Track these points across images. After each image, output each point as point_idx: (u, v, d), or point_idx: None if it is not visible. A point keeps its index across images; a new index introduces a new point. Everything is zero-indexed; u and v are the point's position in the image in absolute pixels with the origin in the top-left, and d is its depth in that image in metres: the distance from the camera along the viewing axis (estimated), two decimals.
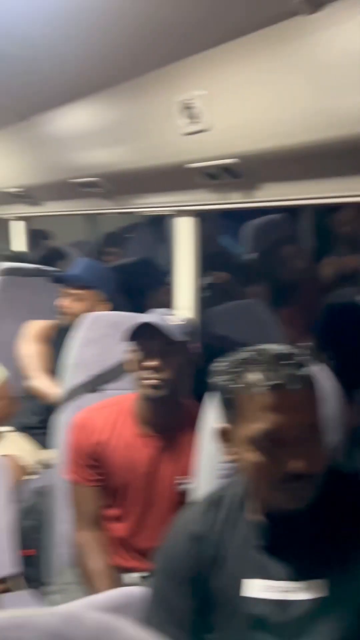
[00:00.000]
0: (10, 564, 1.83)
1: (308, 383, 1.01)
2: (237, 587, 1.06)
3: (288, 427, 0.99)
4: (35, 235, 4.42)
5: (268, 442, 0.99)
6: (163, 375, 1.61)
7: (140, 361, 1.63)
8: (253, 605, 1.03)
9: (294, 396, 0.99)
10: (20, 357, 2.55)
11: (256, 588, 1.04)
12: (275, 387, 0.99)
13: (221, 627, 1.07)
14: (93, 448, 1.68)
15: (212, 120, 1.66)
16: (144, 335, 1.64)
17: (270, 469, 1.00)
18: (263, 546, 1.06)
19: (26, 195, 3.16)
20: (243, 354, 1.07)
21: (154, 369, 1.61)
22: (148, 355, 1.62)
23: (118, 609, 1.18)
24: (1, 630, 0.24)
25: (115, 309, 2.43)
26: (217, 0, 1.45)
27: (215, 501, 1.14)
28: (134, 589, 1.20)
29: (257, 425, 1.00)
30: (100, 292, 2.44)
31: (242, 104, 1.59)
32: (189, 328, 1.72)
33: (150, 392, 1.63)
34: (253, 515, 1.09)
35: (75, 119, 2.38)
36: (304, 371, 1.01)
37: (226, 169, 1.77)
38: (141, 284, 2.80)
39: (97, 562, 1.63)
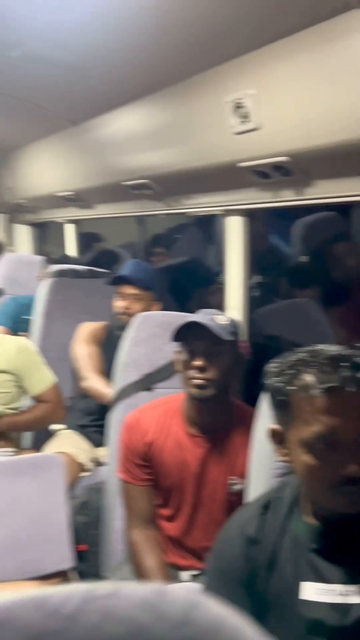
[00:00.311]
0: (65, 558, 1.87)
1: None
2: (292, 590, 1.05)
3: (343, 430, 0.97)
4: (88, 238, 4.52)
5: (323, 445, 0.98)
6: (209, 375, 1.60)
7: (186, 361, 1.64)
8: (308, 609, 1.02)
9: (350, 399, 0.97)
10: (74, 358, 2.61)
11: (311, 591, 1.03)
12: (331, 390, 0.97)
13: (276, 631, 1.07)
14: (144, 448, 1.70)
15: (262, 118, 1.65)
16: (190, 335, 1.63)
17: (325, 473, 0.99)
18: (317, 549, 1.05)
19: (78, 199, 3.22)
20: (297, 354, 1.06)
21: (200, 368, 1.60)
22: (194, 355, 1.61)
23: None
24: (95, 598, 0.25)
25: (165, 309, 2.46)
26: None
27: (269, 503, 1.13)
28: (187, 585, 1.21)
29: (312, 428, 0.98)
30: (152, 292, 2.47)
31: (293, 102, 1.58)
32: (235, 328, 1.71)
33: (196, 392, 1.62)
34: (307, 518, 1.08)
35: (126, 123, 2.42)
36: None
37: (277, 167, 1.76)
38: (190, 285, 2.82)
39: (150, 559, 1.65)
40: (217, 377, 1.61)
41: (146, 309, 2.41)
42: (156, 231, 4.76)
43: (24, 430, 2.44)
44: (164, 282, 2.55)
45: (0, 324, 3.09)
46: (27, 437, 2.61)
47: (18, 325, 3.17)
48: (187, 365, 1.64)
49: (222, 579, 1.10)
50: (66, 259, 3.23)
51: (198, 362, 1.60)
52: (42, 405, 2.41)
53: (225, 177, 2.02)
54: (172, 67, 1.93)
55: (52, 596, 0.25)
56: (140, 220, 3.04)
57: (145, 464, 1.71)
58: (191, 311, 2.04)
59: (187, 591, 0.27)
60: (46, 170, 3.39)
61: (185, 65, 1.88)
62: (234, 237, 2.22)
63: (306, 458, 1.00)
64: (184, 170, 2.20)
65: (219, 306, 2.31)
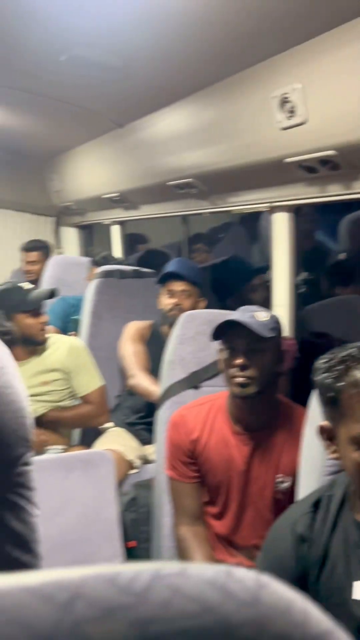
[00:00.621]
0: (116, 554, 1.90)
1: None
2: (344, 589, 1.03)
3: None
4: (132, 239, 4.57)
5: None
6: (250, 373, 1.59)
7: (227, 359, 1.63)
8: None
9: None
10: (121, 356, 2.65)
11: None
12: None
13: None
14: (189, 446, 1.71)
15: (309, 113, 1.64)
16: (230, 334, 1.63)
17: None
18: None
19: (123, 200, 3.26)
20: (346, 350, 1.04)
21: (241, 367, 1.59)
22: (235, 353, 1.61)
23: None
24: (164, 576, 0.26)
25: (208, 307, 2.47)
26: None
27: (319, 501, 1.12)
28: None
29: None
30: (198, 289, 2.49)
31: (340, 95, 1.55)
32: (277, 324, 1.68)
33: (238, 390, 1.61)
34: (358, 516, 1.06)
35: (171, 122, 2.43)
36: None
37: (324, 162, 1.73)
38: (233, 282, 2.81)
39: (198, 556, 1.66)
40: (259, 375, 1.60)
41: (194, 305, 2.43)
42: (200, 230, 4.76)
43: (67, 427, 2.49)
44: (207, 280, 2.55)
45: (50, 323, 3.16)
46: (76, 434, 2.67)
47: (67, 325, 3.24)
48: (228, 364, 1.63)
49: (274, 575, 1.09)
50: (110, 260, 3.27)
51: (239, 361, 1.59)
52: (87, 405, 2.47)
53: (272, 173, 2.01)
54: (216, 64, 1.92)
55: (123, 572, 0.26)
56: (185, 219, 3.04)
57: (191, 461, 1.71)
58: (234, 309, 2.04)
59: (259, 575, 0.27)
60: (92, 173, 3.44)
61: (229, 62, 1.88)
62: (281, 234, 2.20)
63: (356, 455, 0.99)
64: (230, 168, 2.20)
65: (264, 303, 2.29)
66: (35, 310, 2.38)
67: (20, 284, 2.41)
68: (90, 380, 2.50)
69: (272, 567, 1.11)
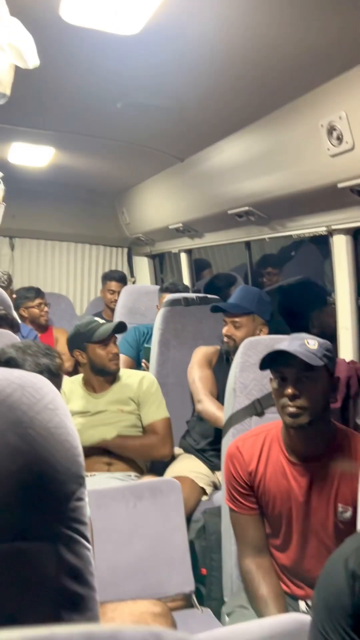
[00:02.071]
0: (187, 581, 1.93)
1: None
2: None
3: None
4: (197, 265, 4.65)
5: None
6: (301, 402, 1.55)
7: (278, 389, 1.61)
8: None
9: None
10: (190, 381, 2.70)
11: None
12: None
13: None
14: (247, 477, 1.70)
15: (354, 139, 1.64)
16: (280, 362, 1.60)
17: None
18: None
19: (188, 229, 3.35)
20: None
21: (292, 396, 1.56)
22: (285, 383, 1.58)
23: (287, 634, 1.19)
24: (95, 639, 0.30)
25: (276, 331, 2.46)
26: (350, 23, 1.45)
27: None
28: (303, 616, 1.20)
29: None
30: (258, 316, 2.49)
31: None
32: (328, 352, 1.62)
33: (290, 420, 1.58)
34: None
35: (227, 154, 2.49)
36: None
37: None
38: (301, 305, 2.79)
39: (264, 589, 1.64)
40: (310, 404, 1.56)
41: (252, 333, 2.44)
42: (270, 251, 4.76)
43: (130, 455, 2.53)
44: (270, 305, 2.55)
45: (123, 352, 3.28)
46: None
47: (140, 353, 3.35)
48: (279, 394, 1.61)
49: (328, 613, 1.08)
50: (177, 286, 3.35)
51: (289, 390, 1.56)
52: (151, 435, 2.53)
53: (327, 197, 2.01)
54: (264, 98, 1.97)
55: (57, 634, 0.30)
56: (248, 244, 3.07)
57: (249, 493, 1.70)
58: (306, 331, 2.03)
59: (181, 636, 0.31)
60: (158, 205, 3.56)
61: (277, 94, 1.92)
62: (341, 256, 2.18)
63: None
64: (285, 195, 2.22)
65: (332, 326, 2.27)
66: (104, 341, 2.51)
67: (92, 319, 2.56)
68: (156, 411, 2.58)
69: (325, 603, 1.10)
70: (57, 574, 0.96)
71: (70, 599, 0.97)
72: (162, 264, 4.78)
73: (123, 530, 1.90)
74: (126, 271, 4.90)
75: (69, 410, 2.54)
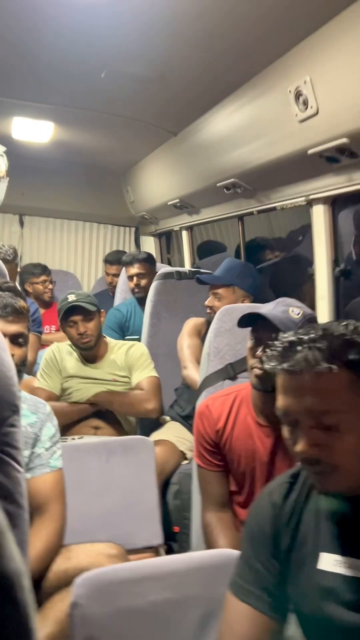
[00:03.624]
0: (155, 535, 2.00)
1: None
2: (311, 558, 1.06)
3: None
4: (209, 245, 4.69)
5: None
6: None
7: (251, 349, 1.64)
8: (325, 578, 1.03)
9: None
10: (179, 349, 2.77)
11: (327, 562, 1.03)
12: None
13: (296, 595, 1.09)
14: (214, 435, 1.74)
15: (318, 104, 1.66)
16: (259, 325, 1.62)
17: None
18: (334, 521, 1.05)
19: (185, 205, 3.39)
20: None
21: (260, 359, 1.57)
22: (259, 344, 1.60)
23: (215, 566, 1.26)
24: None
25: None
26: None
27: (298, 473, 1.16)
28: (231, 551, 1.26)
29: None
30: (238, 288, 2.54)
31: (345, 84, 1.57)
32: (309, 323, 1.59)
33: (255, 382, 1.62)
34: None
35: (213, 126, 2.53)
36: None
37: (341, 150, 1.74)
38: (292, 279, 2.82)
39: (222, 541, 1.69)
40: None
41: (233, 303, 2.48)
42: (280, 234, 4.77)
43: (117, 409, 2.61)
44: (254, 278, 2.60)
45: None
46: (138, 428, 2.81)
47: (124, 334, 3.41)
48: (251, 354, 1.64)
49: (251, 540, 1.14)
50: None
51: (260, 353, 1.59)
52: (137, 391, 2.60)
53: (301, 166, 2.04)
54: (238, 67, 2.00)
55: None
56: (241, 219, 3.10)
57: (216, 450, 1.75)
58: None
59: None
60: (158, 182, 3.61)
61: (250, 63, 1.95)
62: (319, 226, 2.21)
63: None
64: (264, 165, 2.25)
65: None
66: (67, 321, 2.60)
67: (66, 296, 2.64)
68: (143, 372, 2.66)
69: (250, 531, 1.16)
70: None
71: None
72: (168, 243, 4.83)
73: (95, 483, 1.99)
74: (133, 250, 4.96)
75: (67, 368, 2.63)
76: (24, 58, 2.24)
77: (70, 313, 2.57)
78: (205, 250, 4.17)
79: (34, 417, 1.74)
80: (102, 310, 2.73)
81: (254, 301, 2.56)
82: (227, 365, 2.08)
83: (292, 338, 1.03)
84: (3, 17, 1.85)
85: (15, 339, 1.71)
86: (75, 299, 2.60)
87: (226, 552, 1.27)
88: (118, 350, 2.73)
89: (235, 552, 1.25)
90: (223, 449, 1.75)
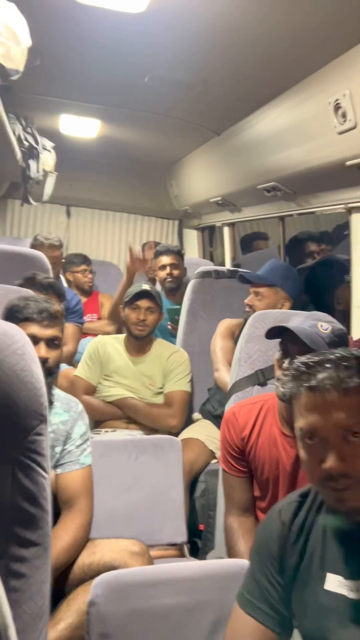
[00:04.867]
0: (180, 533, 2.06)
1: None
2: (316, 577, 1.09)
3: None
4: (251, 238, 4.66)
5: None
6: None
7: (279, 360, 1.66)
8: (329, 599, 1.05)
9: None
10: (211, 351, 2.80)
11: (332, 582, 1.06)
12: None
13: (300, 613, 1.12)
14: (240, 442, 1.77)
15: (357, 117, 1.65)
16: (288, 336, 1.63)
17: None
18: (341, 542, 1.07)
19: (227, 203, 3.40)
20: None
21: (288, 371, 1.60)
22: (286, 357, 1.62)
23: (226, 576, 1.30)
24: None
25: (302, 308, 2.50)
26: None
27: (308, 492, 1.18)
28: (245, 562, 1.30)
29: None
30: (281, 290, 2.53)
31: None
32: (338, 338, 1.61)
33: (281, 393, 1.62)
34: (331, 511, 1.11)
35: (255, 129, 2.52)
36: None
37: None
38: (327, 283, 2.80)
39: (242, 545, 1.73)
40: None
41: (273, 306, 2.49)
42: (326, 228, 4.70)
43: (139, 419, 2.66)
44: (296, 281, 2.58)
45: None
46: None
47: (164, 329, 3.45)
48: (278, 365, 1.66)
49: (259, 556, 1.18)
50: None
51: (287, 365, 1.60)
52: (164, 406, 2.67)
53: (340, 175, 2.02)
54: (281, 74, 1.99)
55: None
56: (282, 219, 3.09)
57: (240, 457, 1.79)
58: (331, 309, 2.04)
59: None
60: (201, 178, 3.63)
61: (292, 72, 1.94)
62: (357, 234, 2.19)
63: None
64: (304, 171, 2.24)
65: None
66: (132, 304, 2.67)
67: (140, 283, 2.75)
68: (177, 383, 2.70)
69: (259, 545, 1.19)
70: (12, 494, 1.12)
71: (24, 517, 1.13)
72: (212, 237, 4.85)
73: (123, 479, 2.06)
74: (176, 244, 5.00)
75: (109, 361, 2.71)
76: (73, 62, 2.30)
77: (138, 297, 2.67)
78: (248, 241, 4.15)
79: (66, 415, 1.81)
80: (162, 313, 2.80)
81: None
82: (257, 371, 2.10)
83: (316, 358, 1.06)
84: (54, 25, 1.90)
85: (51, 342, 1.77)
86: (148, 288, 2.71)
87: (240, 562, 1.31)
88: (162, 349, 2.80)
89: (247, 563, 1.29)
90: (248, 456, 1.79)
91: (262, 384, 2.10)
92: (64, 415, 1.81)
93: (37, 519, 1.14)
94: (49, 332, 1.76)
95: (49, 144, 3.36)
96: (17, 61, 1.46)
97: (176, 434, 2.70)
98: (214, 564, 1.33)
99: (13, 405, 1.12)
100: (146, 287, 2.73)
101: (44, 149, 3.29)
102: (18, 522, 1.12)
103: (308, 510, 1.15)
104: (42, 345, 1.74)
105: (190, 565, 1.31)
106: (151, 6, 1.60)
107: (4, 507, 1.11)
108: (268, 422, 1.77)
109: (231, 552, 1.76)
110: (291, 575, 1.13)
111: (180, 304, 3.24)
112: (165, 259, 3.50)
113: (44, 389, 1.17)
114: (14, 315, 1.76)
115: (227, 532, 1.81)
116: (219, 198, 3.35)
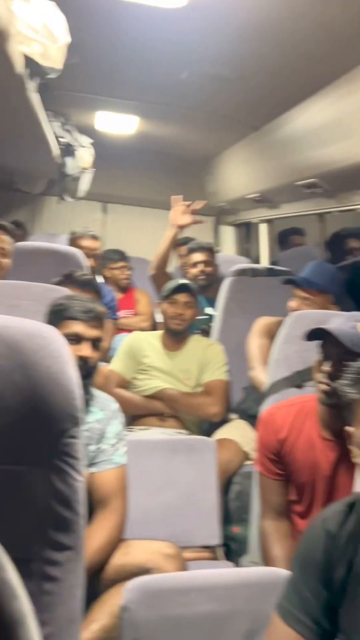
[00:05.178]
0: (213, 535, 2.04)
1: None
2: None
3: None
4: (288, 233, 4.57)
5: None
6: (336, 382, 1.52)
7: (318, 363, 1.62)
8: None
9: None
10: (247, 349, 2.76)
11: None
12: None
13: (349, 628, 1.08)
14: (276, 445, 1.73)
15: None
16: (328, 339, 1.59)
17: None
18: None
19: (264, 200, 3.34)
20: None
21: (328, 374, 1.56)
22: (326, 359, 1.58)
23: (261, 584, 1.28)
24: None
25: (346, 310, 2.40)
26: None
27: (354, 503, 1.14)
28: (281, 570, 1.27)
29: None
30: (329, 295, 2.39)
31: None
32: None
33: (321, 397, 1.59)
34: None
35: (295, 124, 2.46)
36: None
37: None
38: None
39: (277, 550, 1.70)
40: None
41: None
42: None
43: (181, 410, 2.65)
44: (343, 286, 2.48)
45: None
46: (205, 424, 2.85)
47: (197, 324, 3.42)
48: (317, 368, 1.62)
49: (302, 567, 1.14)
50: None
51: (327, 368, 1.57)
52: (204, 394, 2.63)
53: None
54: (325, 67, 1.93)
55: None
56: (322, 217, 3.02)
57: (277, 459, 1.75)
58: None
59: None
60: (238, 174, 3.58)
61: (337, 63, 1.88)
62: None
63: None
64: (349, 167, 2.18)
65: None
66: (170, 298, 2.67)
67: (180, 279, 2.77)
68: (214, 372, 2.68)
69: (302, 557, 1.16)
70: (47, 498, 1.11)
71: (58, 520, 1.13)
72: (248, 233, 4.79)
73: (157, 480, 2.05)
74: (211, 240, 4.96)
75: (145, 357, 2.74)
76: (111, 58, 2.29)
77: (177, 291, 2.67)
78: (284, 237, 4.09)
79: (101, 413, 1.81)
80: (199, 309, 2.80)
81: None
82: (294, 372, 2.06)
83: None
84: (94, 22, 1.89)
85: (94, 343, 1.78)
86: (186, 282, 2.72)
87: (275, 571, 1.28)
88: (197, 343, 2.79)
89: (284, 572, 1.25)
90: (284, 459, 1.75)
91: (299, 386, 2.05)
92: (99, 413, 1.81)
93: (71, 522, 1.13)
94: (93, 333, 1.77)
95: (86, 141, 3.38)
96: (54, 60, 1.45)
97: (214, 429, 2.68)
98: (249, 571, 1.30)
99: (47, 408, 1.11)
100: (184, 281, 2.72)
101: (81, 145, 3.31)
102: (52, 525, 1.12)
103: (356, 521, 1.11)
104: (86, 345, 1.75)
105: (224, 573, 1.29)
106: (191, 1, 1.56)
107: (38, 510, 1.11)
108: (307, 425, 1.73)
109: (266, 557, 1.73)
110: (338, 589, 1.09)
111: (213, 299, 3.22)
112: (198, 256, 3.47)
113: (78, 392, 1.16)
114: (59, 313, 1.78)
115: (263, 536, 1.78)
116: (257, 194, 3.29)
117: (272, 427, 1.76)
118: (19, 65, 1.34)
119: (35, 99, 1.86)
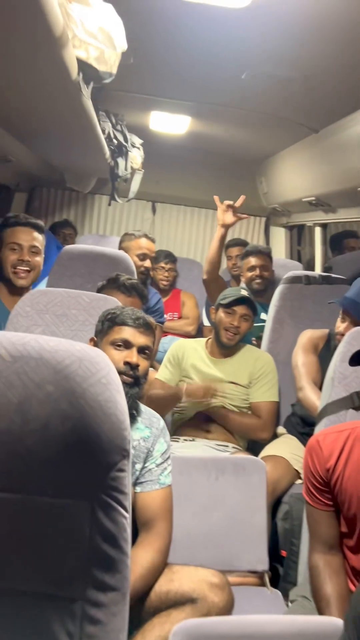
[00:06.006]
0: (261, 560, 1.95)
1: None
2: None
3: None
4: (342, 236, 4.39)
5: None
6: None
7: None
8: None
9: None
10: (293, 366, 2.63)
11: None
12: None
13: None
14: (324, 474, 1.61)
15: None
16: None
17: None
18: None
19: (321, 203, 3.20)
20: None
21: None
22: None
23: (317, 635, 1.18)
24: None
25: None
26: None
27: None
28: (339, 621, 1.17)
29: None
30: None
31: None
32: None
33: None
34: None
35: (357, 128, 2.33)
36: None
37: None
38: None
39: (329, 587, 1.58)
40: None
41: None
42: None
43: (231, 428, 2.58)
44: None
45: None
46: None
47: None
48: None
49: (356, 623, 1.05)
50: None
51: None
52: (254, 417, 2.57)
53: None
54: None
55: None
56: None
57: (325, 489, 1.64)
58: None
59: None
60: (294, 176, 3.45)
61: None
62: None
63: None
64: None
65: None
66: (228, 308, 2.60)
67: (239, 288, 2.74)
68: (265, 393, 2.59)
69: (356, 612, 1.06)
70: (91, 534, 1.05)
71: (103, 559, 1.06)
72: (300, 236, 4.64)
73: (203, 500, 1.96)
74: (262, 242, 4.84)
75: (190, 365, 2.68)
76: (167, 59, 2.22)
77: (236, 303, 2.60)
78: (338, 240, 3.93)
79: (148, 431, 1.74)
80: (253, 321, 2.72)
81: None
82: (352, 393, 1.94)
83: None
84: (152, 22, 1.81)
85: (143, 351, 1.74)
86: (247, 294, 2.66)
87: (334, 622, 1.18)
88: (249, 352, 2.71)
89: (342, 623, 1.16)
90: (333, 489, 1.64)
91: (358, 407, 1.93)
92: (145, 430, 1.74)
93: (116, 561, 1.06)
94: (142, 340, 1.75)
95: (137, 141, 3.31)
96: (110, 64, 1.38)
97: (262, 445, 2.59)
98: (305, 620, 1.21)
99: (95, 439, 1.04)
100: (245, 292, 2.66)
101: (133, 146, 3.24)
102: (96, 564, 1.05)
103: None
104: (135, 351, 1.73)
105: (279, 620, 1.20)
106: (255, 0, 1.46)
107: (82, 547, 1.04)
108: (356, 452, 1.61)
109: (316, 595, 1.63)
110: None
111: (267, 305, 3.11)
112: (255, 260, 3.37)
113: (127, 421, 1.09)
114: (110, 319, 1.78)
115: (312, 571, 1.67)
116: (313, 197, 3.16)
117: (318, 455, 1.66)
118: (74, 72, 1.28)
119: (88, 103, 1.80)
